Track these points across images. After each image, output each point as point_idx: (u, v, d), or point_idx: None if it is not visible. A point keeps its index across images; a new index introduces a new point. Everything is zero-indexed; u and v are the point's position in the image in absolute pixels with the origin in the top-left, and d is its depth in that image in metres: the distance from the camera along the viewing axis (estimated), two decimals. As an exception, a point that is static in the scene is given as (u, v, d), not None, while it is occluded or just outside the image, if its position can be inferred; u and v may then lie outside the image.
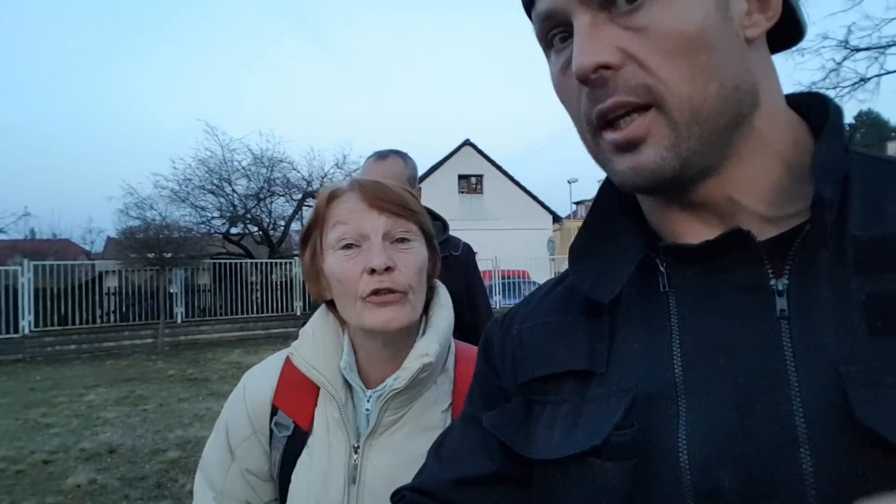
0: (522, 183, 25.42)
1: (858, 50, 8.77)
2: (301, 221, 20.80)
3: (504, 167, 25.10)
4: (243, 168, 18.68)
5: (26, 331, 12.34)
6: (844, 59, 8.77)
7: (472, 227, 20.39)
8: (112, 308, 14.19)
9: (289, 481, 0.96)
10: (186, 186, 18.01)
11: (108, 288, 14.35)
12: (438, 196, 21.67)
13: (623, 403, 0.51)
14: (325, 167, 19.48)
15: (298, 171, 19.16)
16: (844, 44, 8.85)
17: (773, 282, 0.48)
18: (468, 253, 2.21)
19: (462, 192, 24.27)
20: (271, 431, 0.99)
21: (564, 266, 0.78)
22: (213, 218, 18.45)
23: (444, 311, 1.01)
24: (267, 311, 15.36)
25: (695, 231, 0.53)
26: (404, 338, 0.94)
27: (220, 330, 14.30)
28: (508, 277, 17.48)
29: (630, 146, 0.48)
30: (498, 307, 13.58)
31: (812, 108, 0.55)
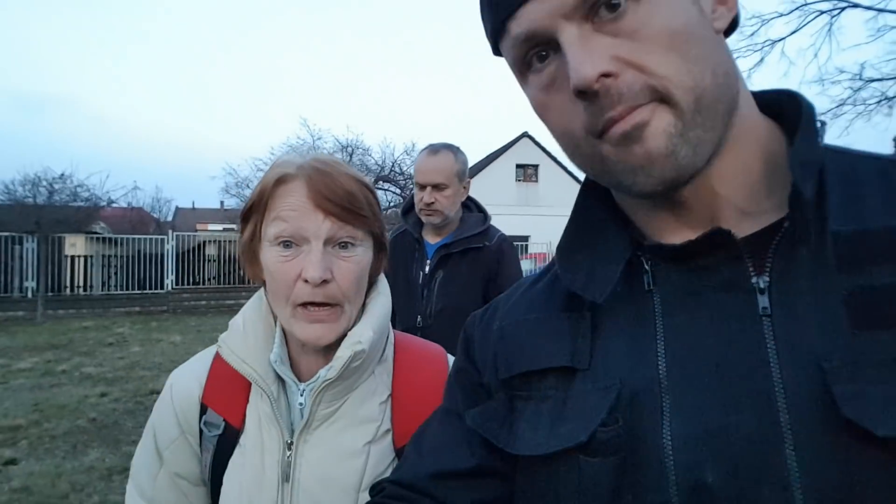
0: (575, 173, 27.16)
1: (872, 81, 10.85)
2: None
3: (558, 157, 26.88)
4: (329, 154, 21.24)
5: (169, 287, 15.31)
6: (859, 88, 10.82)
7: (527, 213, 22.57)
8: (212, 274, 16.93)
9: (220, 484, 0.90)
10: (281, 170, 20.85)
11: (209, 256, 17.15)
12: (497, 183, 23.89)
13: (608, 400, 0.51)
14: (396, 154, 22.09)
15: (372, 157, 21.75)
16: (859, 76, 10.93)
17: (754, 280, 0.48)
18: (502, 243, 2.27)
19: (519, 181, 26.16)
20: (201, 431, 0.91)
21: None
22: (299, 197, 21.20)
23: (381, 299, 0.94)
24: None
25: (678, 229, 0.54)
26: None
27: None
28: (560, 259, 19.37)
29: (637, 131, 0.47)
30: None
31: (783, 104, 0.54)
